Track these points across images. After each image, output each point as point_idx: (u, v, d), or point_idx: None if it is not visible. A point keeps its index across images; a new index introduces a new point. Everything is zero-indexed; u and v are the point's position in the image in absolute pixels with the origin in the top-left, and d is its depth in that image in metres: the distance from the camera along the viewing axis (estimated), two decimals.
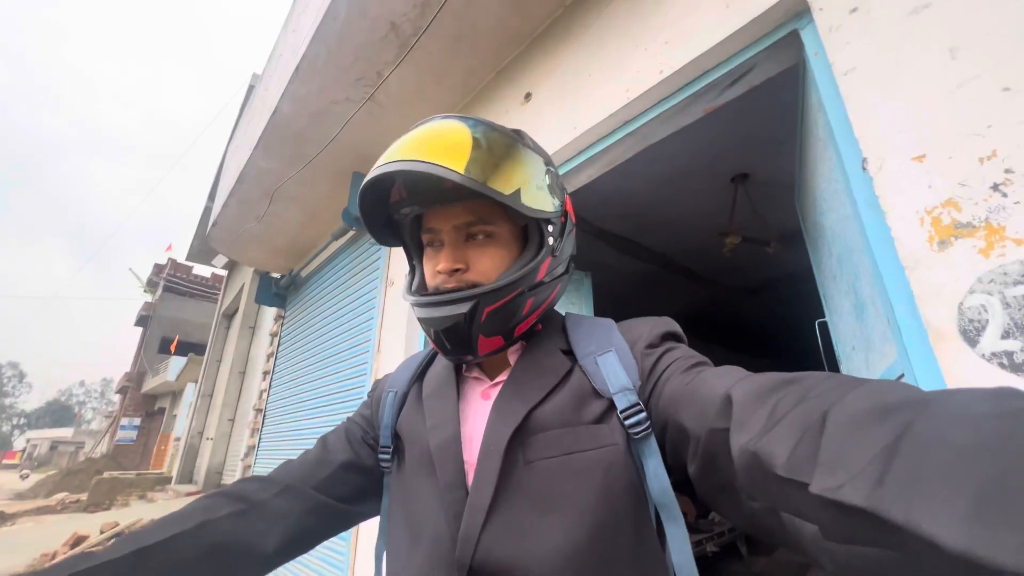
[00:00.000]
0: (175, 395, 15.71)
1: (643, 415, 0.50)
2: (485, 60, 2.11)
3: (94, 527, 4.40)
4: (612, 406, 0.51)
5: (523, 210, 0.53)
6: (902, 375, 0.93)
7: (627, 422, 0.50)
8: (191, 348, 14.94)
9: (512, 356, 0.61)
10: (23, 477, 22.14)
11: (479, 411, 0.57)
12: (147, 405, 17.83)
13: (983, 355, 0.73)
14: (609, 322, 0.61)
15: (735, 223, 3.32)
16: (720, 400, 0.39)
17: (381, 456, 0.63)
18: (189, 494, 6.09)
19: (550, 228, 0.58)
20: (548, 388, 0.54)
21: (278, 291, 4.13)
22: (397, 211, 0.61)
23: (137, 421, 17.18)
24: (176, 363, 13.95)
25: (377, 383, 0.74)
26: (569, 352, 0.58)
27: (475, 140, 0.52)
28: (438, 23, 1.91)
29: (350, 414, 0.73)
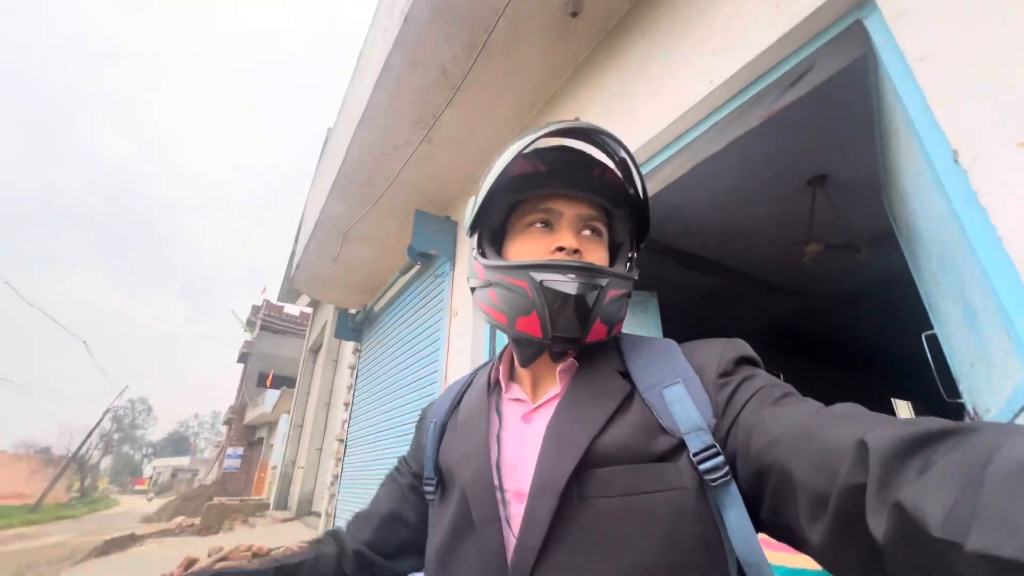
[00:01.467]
0: (271, 425, 17.01)
1: (720, 459, 0.44)
2: (532, 91, 2.16)
3: (204, 550, 4.83)
4: (682, 446, 0.46)
5: (648, 228, 0.62)
6: None
7: (702, 467, 0.44)
8: (284, 381, 16.20)
9: (562, 375, 0.56)
10: (149, 500, 24.96)
11: (521, 436, 0.54)
12: (248, 435, 19.45)
13: None
14: (671, 344, 0.56)
15: (816, 230, 3.06)
16: (853, 448, 0.33)
17: (426, 489, 0.61)
18: (284, 519, 6.49)
19: (634, 256, 0.61)
20: (610, 412, 0.49)
21: (354, 326, 4.39)
22: (510, 185, 0.59)
23: (240, 450, 18.76)
24: (271, 395, 15.15)
25: (423, 411, 0.73)
26: (626, 375, 0.54)
27: (626, 149, 0.57)
28: (484, 61, 2.00)
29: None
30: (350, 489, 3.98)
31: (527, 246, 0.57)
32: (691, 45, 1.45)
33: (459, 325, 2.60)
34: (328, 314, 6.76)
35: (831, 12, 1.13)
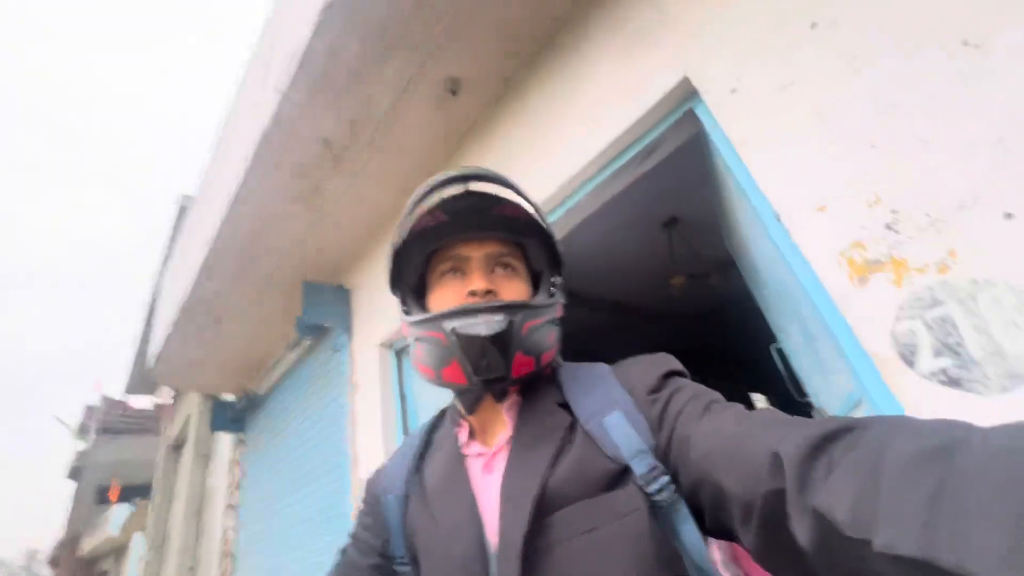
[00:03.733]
0: (119, 552, 13.80)
1: (666, 479, 0.46)
2: (419, 160, 2.23)
3: None
4: (628, 471, 0.47)
5: (557, 250, 0.62)
6: (861, 400, 1.01)
7: (648, 489, 0.46)
8: (135, 492, 13.37)
9: (508, 415, 0.58)
10: None
11: (487, 489, 0.53)
12: (86, 571, 15.48)
13: (923, 375, 0.82)
14: (603, 368, 0.59)
15: (676, 264, 3.54)
16: (769, 458, 0.36)
17: (400, 569, 0.58)
18: None
19: (558, 280, 0.63)
20: (553, 451, 0.50)
21: (235, 415, 3.87)
22: (419, 241, 0.61)
23: None
24: (118, 514, 12.38)
25: (369, 484, 0.68)
26: (565, 405, 0.55)
27: (513, 184, 0.60)
28: (367, 134, 2.03)
29: (344, 534, 0.68)
30: None
31: (443, 296, 0.59)
32: (565, 124, 1.65)
33: (363, 399, 2.46)
34: (192, 404, 5.85)
35: (670, 102, 1.39)
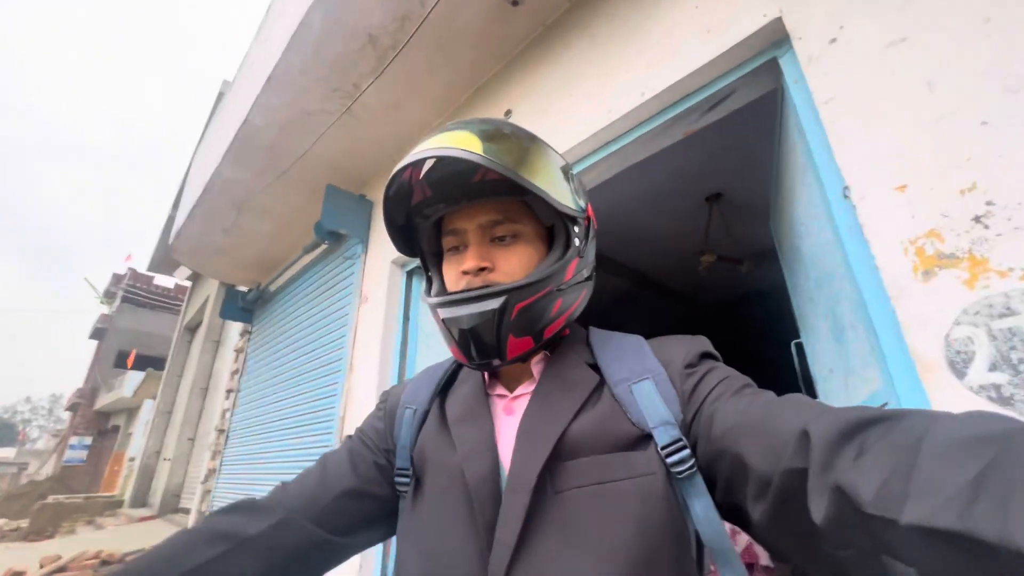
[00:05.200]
0: (131, 412, 14.88)
1: (687, 451, 0.46)
2: (465, 76, 2.09)
3: (33, 560, 4.06)
4: (649, 439, 0.47)
5: (553, 202, 0.52)
6: (886, 403, 0.93)
7: (669, 460, 0.46)
8: (150, 362, 14.21)
9: (535, 367, 0.57)
10: None
11: (503, 428, 0.54)
12: (100, 423, 16.81)
13: (971, 387, 0.73)
14: (639, 340, 0.58)
15: (710, 242, 3.38)
16: (796, 436, 0.36)
17: (398, 480, 0.58)
18: (142, 519, 5.72)
19: (576, 229, 0.56)
20: (578, 404, 0.50)
21: (245, 305, 3.97)
22: (419, 214, 0.60)
23: (88, 440, 16.15)
24: (133, 378, 13.22)
25: (389, 394, 0.68)
26: (595, 367, 0.55)
27: (500, 132, 0.52)
28: (416, 36, 1.88)
29: (337, 435, 0.68)
30: (230, 484, 3.61)
31: (448, 275, 0.58)
32: (627, 55, 1.49)
33: (369, 313, 2.46)
34: (211, 289, 6.04)
35: (752, 47, 1.22)
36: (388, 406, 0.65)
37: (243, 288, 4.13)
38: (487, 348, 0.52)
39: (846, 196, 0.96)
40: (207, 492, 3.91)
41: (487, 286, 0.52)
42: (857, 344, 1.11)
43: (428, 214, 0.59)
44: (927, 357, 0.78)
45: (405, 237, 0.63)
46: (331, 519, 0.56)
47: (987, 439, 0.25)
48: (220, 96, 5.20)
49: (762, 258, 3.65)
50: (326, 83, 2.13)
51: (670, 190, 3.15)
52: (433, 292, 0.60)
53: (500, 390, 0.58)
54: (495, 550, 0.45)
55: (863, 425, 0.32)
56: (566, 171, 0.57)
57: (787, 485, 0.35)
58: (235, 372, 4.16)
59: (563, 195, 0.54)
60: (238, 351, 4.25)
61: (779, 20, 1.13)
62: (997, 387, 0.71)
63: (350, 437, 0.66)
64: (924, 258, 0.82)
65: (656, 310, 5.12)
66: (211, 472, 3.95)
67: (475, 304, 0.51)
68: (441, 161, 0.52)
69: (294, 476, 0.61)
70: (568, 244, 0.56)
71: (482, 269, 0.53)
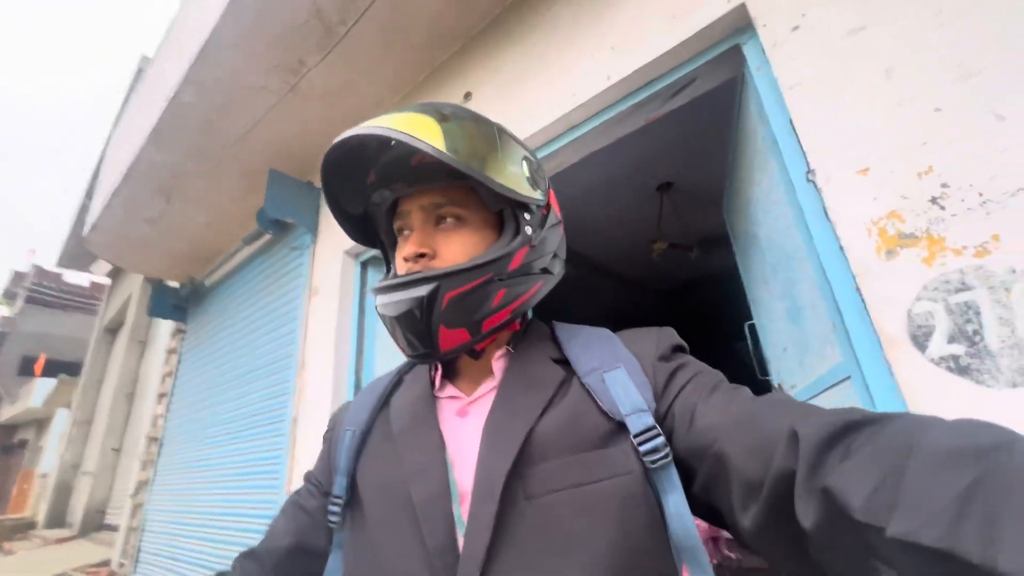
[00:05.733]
0: (41, 424, 13.44)
1: (661, 440, 0.44)
2: (420, 56, 1.99)
3: None
4: (623, 429, 0.45)
5: (493, 185, 0.48)
6: (848, 377, 0.98)
7: (642, 448, 0.43)
8: (62, 368, 12.86)
9: (496, 364, 0.54)
10: None
11: (457, 431, 0.50)
12: (3, 437, 15.07)
13: (932, 359, 0.78)
14: (607, 332, 0.56)
15: (662, 230, 3.48)
16: (785, 438, 0.35)
17: (331, 508, 0.53)
18: (60, 540, 5.18)
19: (527, 216, 0.53)
20: (545, 400, 0.48)
21: (177, 302, 3.64)
22: (371, 201, 0.57)
23: None
24: (43, 386, 11.91)
25: (334, 418, 0.64)
26: (562, 362, 0.53)
27: (444, 115, 0.49)
28: (370, 13, 1.77)
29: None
30: (165, 496, 3.33)
31: (396, 262, 0.55)
32: (592, 38, 1.47)
33: (320, 305, 2.32)
34: (135, 286, 5.52)
35: (717, 33, 1.24)
36: (332, 435, 0.62)
37: (174, 284, 3.79)
38: (418, 339, 0.49)
39: (810, 180, 1.00)
40: (138, 506, 3.59)
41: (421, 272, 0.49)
42: (816, 323, 1.16)
43: (377, 200, 0.57)
44: (892, 332, 0.82)
45: (362, 227, 0.61)
46: None
47: (977, 451, 0.25)
48: (140, 72, 4.72)
49: (711, 244, 3.81)
50: (267, 57, 1.96)
51: (623, 179, 3.20)
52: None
53: (452, 391, 0.55)
54: (463, 565, 0.41)
55: (851, 427, 0.32)
56: (520, 155, 0.55)
57: (779, 489, 0.34)
58: (167, 375, 3.82)
59: (512, 180, 0.51)
60: (170, 352, 3.91)
61: (743, 7, 1.15)
62: (956, 358, 0.76)
63: (297, 491, 0.62)
64: (886, 238, 0.86)
65: (606, 297, 5.24)
66: (142, 484, 3.63)
67: (403, 291, 0.48)
68: (385, 145, 0.51)
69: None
70: (518, 232, 0.52)
71: (422, 255, 0.50)
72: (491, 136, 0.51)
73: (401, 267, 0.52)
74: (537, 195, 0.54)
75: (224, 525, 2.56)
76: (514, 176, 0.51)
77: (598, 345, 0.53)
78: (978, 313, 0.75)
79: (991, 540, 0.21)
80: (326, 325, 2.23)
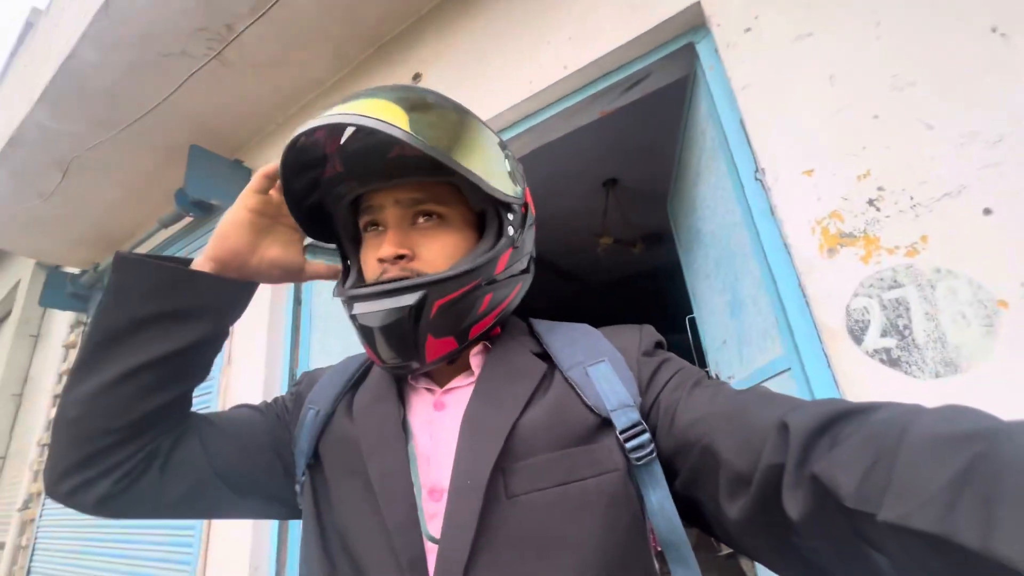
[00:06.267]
0: None
1: (647, 436, 0.43)
2: (366, 29, 1.87)
3: None
4: (607, 424, 0.44)
5: (487, 188, 0.45)
6: (788, 369, 1.03)
7: (629, 444, 0.42)
8: None
9: (474, 358, 0.52)
10: None
11: (433, 424, 0.48)
12: None
13: (867, 351, 0.83)
14: (589, 327, 0.55)
15: (606, 225, 3.55)
16: (775, 430, 0.34)
17: (296, 488, 0.52)
18: None
19: (510, 216, 0.50)
20: (528, 393, 0.46)
21: (77, 290, 3.24)
22: (330, 192, 0.51)
23: None
24: None
25: (306, 377, 0.60)
26: (542, 356, 0.51)
27: (424, 101, 0.45)
28: None
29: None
30: (61, 511, 2.96)
31: (365, 259, 0.51)
32: (549, 26, 1.44)
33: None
34: (24, 272, 4.84)
35: (671, 29, 1.25)
36: (300, 390, 0.59)
37: (73, 270, 3.36)
38: (402, 350, 0.46)
39: (758, 179, 1.03)
40: (28, 522, 3.17)
41: (404, 278, 0.46)
42: (757, 317, 1.22)
43: (340, 193, 0.52)
44: (831, 326, 0.87)
45: (316, 219, 0.55)
46: (234, 476, 0.51)
47: (967, 437, 0.25)
48: (28, 26, 4.11)
49: (654, 240, 3.95)
50: (190, 18, 1.76)
51: (569, 173, 3.23)
52: (348, 283, 0.53)
53: (426, 383, 0.53)
54: (440, 564, 0.39)
55: (839, 417, 0.32)
56: (501, 149, 0.51)
57: (769, 479, 0.34)
58: (65, 373, 3.39)
59: (498, 178, 0.47)
60: (68, 347, 3.47)
61: (698, 5, 1.17)
62: (887, 350, 0.81)
63: (251, 405, 0.59)
64: (828, 237, 0.90)
65: (547, 289, 5.32)
66: (34, 496, 3.21)
67: (387, 299, 0.44)
68: (356, 132, 0.46)
69: None
70: (501, 233, 0.50)
71: (400, 257, 0.47)
72: (475, 127, 0.48)
73: (373, 268, 0.48)
74: (518, 191, 0.51)
75: (134, 539, 2.31)
76: (499, 174, 0.48)
77: (580, 340, 0.52)
78: (908, 309, 0.81)
79: (987, 525, 0.21)
80: (258, 318, 2.06)
